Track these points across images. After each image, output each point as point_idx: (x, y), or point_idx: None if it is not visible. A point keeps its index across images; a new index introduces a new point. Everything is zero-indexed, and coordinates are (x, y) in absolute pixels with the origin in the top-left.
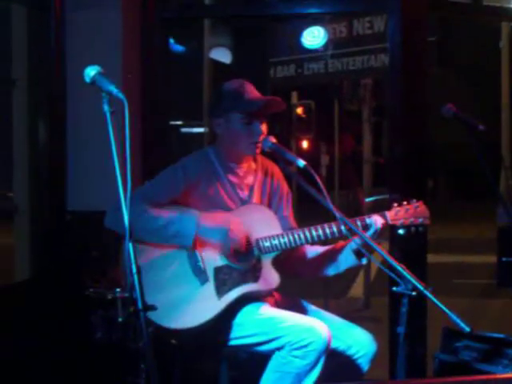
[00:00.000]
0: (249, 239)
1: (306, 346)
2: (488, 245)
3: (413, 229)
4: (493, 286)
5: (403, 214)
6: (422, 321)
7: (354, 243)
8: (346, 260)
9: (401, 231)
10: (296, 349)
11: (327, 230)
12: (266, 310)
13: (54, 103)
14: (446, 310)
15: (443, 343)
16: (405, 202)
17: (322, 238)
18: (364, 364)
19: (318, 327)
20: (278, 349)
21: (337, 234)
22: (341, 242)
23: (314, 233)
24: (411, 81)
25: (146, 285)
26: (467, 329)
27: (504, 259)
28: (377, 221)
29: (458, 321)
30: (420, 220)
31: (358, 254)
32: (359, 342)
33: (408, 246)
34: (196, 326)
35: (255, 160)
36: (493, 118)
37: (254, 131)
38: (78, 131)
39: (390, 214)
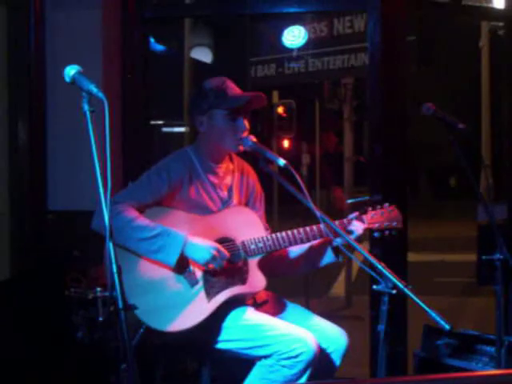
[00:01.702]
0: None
1: (295, 357)
2: (468, 243)
3: (387, 232)
4: (473, 284)
5: (379, 217)
6: (403, 319)
7: (335, 243)
8: (324, 257)
9: (376, 234)
10: (285, 358)
11: (310, 233)
12: (254, 316)
13: (34, 103)
14: (427, 308)
15: (424, 341)
16: (378, 206)
17: (305, 241)
18: (335, 359)
19: (308, 338)
20: (265, 356)
21: (319, 237)
22: (318, 240)
23: (297, 235)
24: (391, 80)
25: (136, 286)
26: (447, 327)
27: (484, 257)
28: (358, 227)
29: (438, 319)
30: (394, 224)
31: (336, 251)
32: (329, 339)
33: (389, 244)
34: (186, 328)
35: (232, 160)
36: (473, 117)
37: (239, 127)
38: (58, 131)
39: (366, 218)
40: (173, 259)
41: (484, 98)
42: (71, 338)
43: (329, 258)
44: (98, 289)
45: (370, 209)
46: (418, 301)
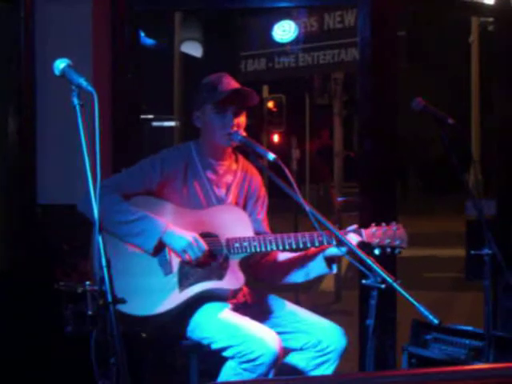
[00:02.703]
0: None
1: (254, 360)
2: (457, 238)
3: (388, 250)
4: (462, 279)
5: (380, 234)
6: (392, 313)
7: (328, 253)
8: (317, 268)
9: (376, 251)
10: (245, 361)
11: (300, 240)
12: (226, 315)
13: (24, 96)
14: (415, 303)
15: (412, 335)
16: (383, 223)
17: (294, 246)
18: (334, 360)
19: (268, 340)
20: (230, 358)
21: (309, 246)
22: (312, 249)
23: (286, 241)
24: (380, 75)
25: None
26: (436, 321)
27: (472, 252)
28: (352, 240)
29: (427, 313)
30: (397, 242)
31: (329, 261)
32: (329, 338)
33: None
34: (152, 314)
35: (237, 161)
36: (462, 113)
37: (226, 121)
38: (47, 124)
39: (366, 233)
40: (151, 244)
41: (474, 94)
42: (60, 332)
43: (322, 268)
44: (87, 282)
45: (373, 225)
46: (406, 295)
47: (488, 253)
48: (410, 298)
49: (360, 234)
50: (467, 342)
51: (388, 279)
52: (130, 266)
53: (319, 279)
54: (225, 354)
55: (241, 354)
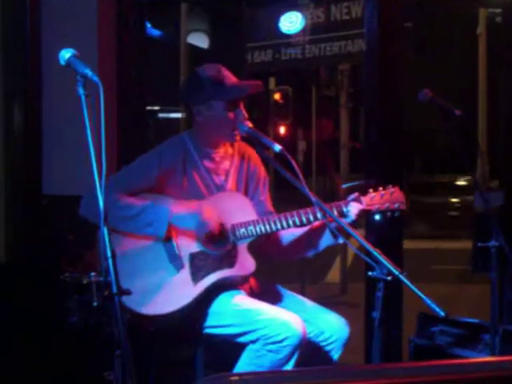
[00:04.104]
0: (223, 224)
1: (281, 342)
2: (464, 230)
3: (389, 214)
4: (468, 271)
5: (378, 199)
6: (398, 305)
7: (331, 227)
8: (324, 240)
9: (377, 217)
10: (271, 343)
11: (303, 217)
12: (243, 301)
13: (30, 87)
14: (422, 295)
15: (419, 328)
16: (380, 188)
17: (298, 224)
18: (337, 349)
19: (294, 322)
20: (252, 341)
21: (313, 221)
22: (317, 223)
23: (289, 219)
24: (387, 66)
25: (122, 272)
26: (442, 314)
27: (479, 244)
28: (353, 209)
29: (433, 306)
30: (396, 205)
31: (334, 233)
32: (332, 327)
33: (384, 231)
34: (171, 311)
35: (232, 145)
36: (469, 104)
37: (238, 118)
38: (53, 115)
39: (365, 200)
40: (162, 231)
41: (481, 85)
42: (66, 323)
43: (328, 240)
44: (93, 273)
45: (371, 190)
46: (413, 287)
47: (495, 245)
48: (417, 290)
49: (360, 202)
50: (474, 334)
51: (394, 271)
52: (140, 266)
53: (325, 271)
54: (247, 338)
55: (267, 336)
